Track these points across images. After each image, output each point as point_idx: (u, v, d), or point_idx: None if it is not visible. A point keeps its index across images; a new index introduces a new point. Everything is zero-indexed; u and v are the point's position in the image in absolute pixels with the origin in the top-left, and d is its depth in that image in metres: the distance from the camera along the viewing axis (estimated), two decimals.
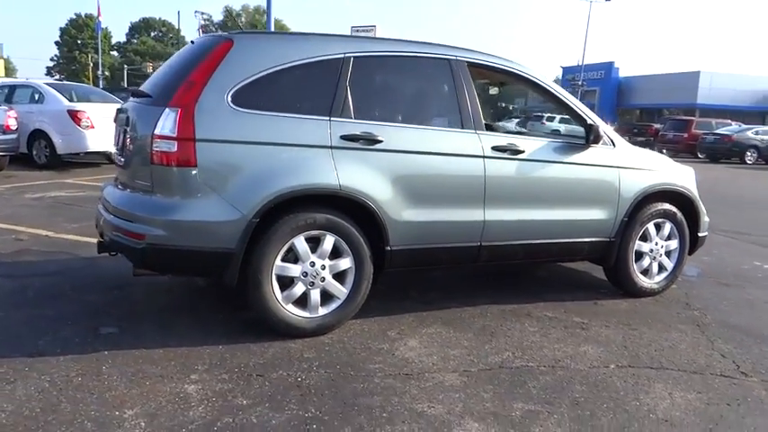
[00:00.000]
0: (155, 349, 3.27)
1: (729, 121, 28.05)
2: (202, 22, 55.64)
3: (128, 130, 3.61)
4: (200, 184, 3.22)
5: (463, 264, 4.09)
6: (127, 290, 4.25)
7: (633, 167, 4.47)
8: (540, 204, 4.13)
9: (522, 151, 4.01)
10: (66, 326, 3.53)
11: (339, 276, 3.58)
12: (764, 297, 4.89)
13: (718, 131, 24.88)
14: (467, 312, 4.11)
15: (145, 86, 3.79)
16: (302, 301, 3.51)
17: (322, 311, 3.55)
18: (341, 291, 3.58)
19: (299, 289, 3.48)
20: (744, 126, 26.16)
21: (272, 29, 19.96)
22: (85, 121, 10.46)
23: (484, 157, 3.88)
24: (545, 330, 3.85)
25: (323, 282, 3.52)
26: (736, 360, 3.53)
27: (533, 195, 4.10)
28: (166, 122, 3.20)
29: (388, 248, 3.64)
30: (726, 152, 23.81)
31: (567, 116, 4.69)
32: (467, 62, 3.98)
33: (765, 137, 24.30)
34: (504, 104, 25.99)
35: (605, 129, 4.32)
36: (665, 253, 4.72)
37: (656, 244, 4.66)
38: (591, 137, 4.22)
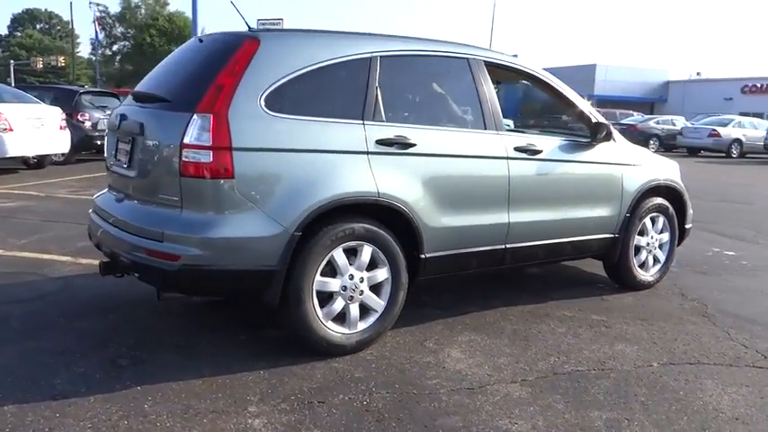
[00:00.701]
0: (191, 380, 2.97)
1: (632, 111, 29.71)
2: (98, 14, 52.61)
3: (138, 138, 3.25)
4: (238, 197, 2.94)
5: (489, 268, 4.01)
6: (122, 313, 3.86)
7: (634, 164, 4.55)
8: (558, 204, 4.12)
9: (540, 151, 3.98)
10: (76, 360, 3.15)
11: (375, 288, 3.40)
12: (744, 284, 5.14)
13: (624, 121, 26.29)
14: (488, 316, 4.03)
15: (149, 89, 3.44)
16: (341, 317, 3.31)
17: (361, 326, 3.36)
18: (378, 303, 3.41)
19: (338, 304, 3.27)
20: (645, 116, 27.81)
21: (198, 27, 19.07)
22: (2, 123, 9.54)
23: (507, 158, 3.81)
24: (574, 331, 3.84)
25: (361, 295, 3.33)
26: (759, 350, 3.65)
27: (552, 195, 4.09)
28: (197, 130, 2.90)
29: (423, 256, 3.50)
30: (632, 141, 25.10)
31: None
32: (483, 61, 3.89)
33: (665, 126, 25.97)
34: None
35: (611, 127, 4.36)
36: (659, 246, 4.85)
37: (652, 238, 4.77)
38: (600, 135, 4.26)
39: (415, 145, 3.41)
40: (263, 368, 3.12)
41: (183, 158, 2.92)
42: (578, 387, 3.07)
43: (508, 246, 3.88)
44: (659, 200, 4.73)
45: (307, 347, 3.26)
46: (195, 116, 2.92)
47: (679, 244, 5.07)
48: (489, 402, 2.86)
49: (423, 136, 3.46)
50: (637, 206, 4.56)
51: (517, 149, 3.85)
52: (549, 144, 4.08)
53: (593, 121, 4.30)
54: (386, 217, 3.35)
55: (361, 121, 3.29)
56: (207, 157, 2.89)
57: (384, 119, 3.37)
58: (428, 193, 3.45)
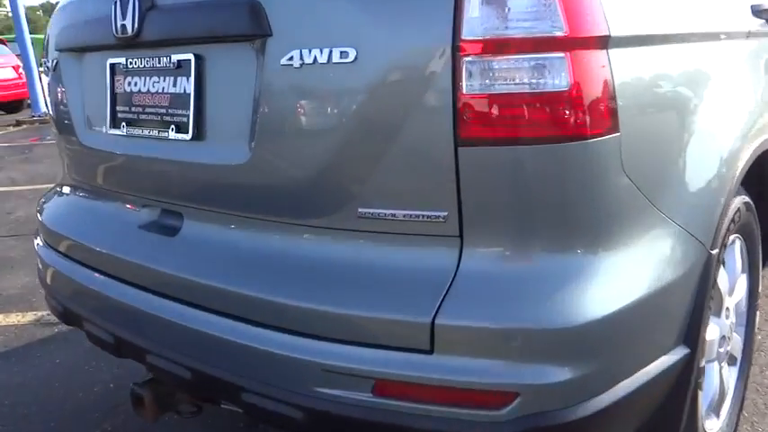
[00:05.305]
0: None
1: None
2: None
3: (231, 57, 1.13)
4: (627, 186, 1.00)
5: None
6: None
7: None
8: None
9: None
10: None
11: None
12: None
13: None
14: None
15: None
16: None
17: (724, 408, 1.61)
18: (738, 346, 1.67)
19: (714, 378, 1.50)
20: None
21: None
22: None
23: None
24: None
25: (729, 345, 1.58)
26: None
27: None
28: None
29: None
30: None
31: None
32: None
33: None
34: None
35: None
36: None
37: None
38: None
39: None
40: None
41: (467, 91, 0.91)
42: None
43: None
44: None
45: None
46: None
47: None
48: None
49: None
50: None
51: None
52: None
53: None
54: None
55: None
56: (557, 75, 0.90)
57: None
58: None
